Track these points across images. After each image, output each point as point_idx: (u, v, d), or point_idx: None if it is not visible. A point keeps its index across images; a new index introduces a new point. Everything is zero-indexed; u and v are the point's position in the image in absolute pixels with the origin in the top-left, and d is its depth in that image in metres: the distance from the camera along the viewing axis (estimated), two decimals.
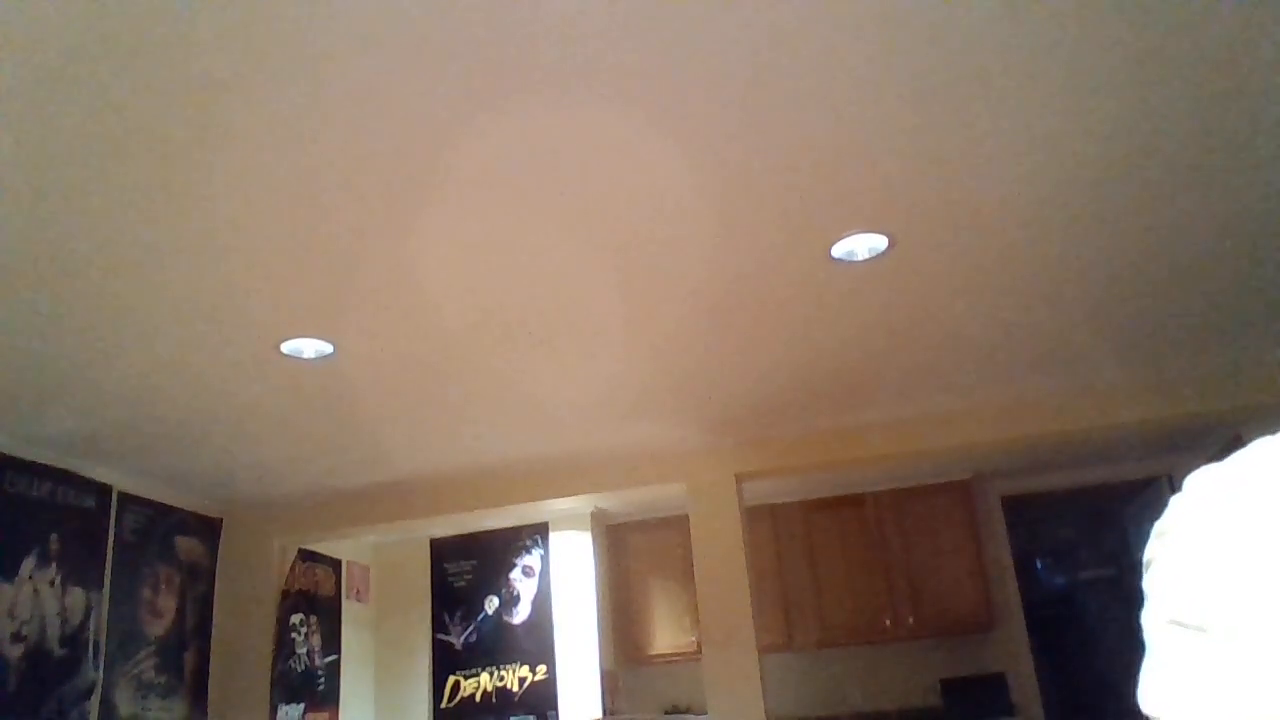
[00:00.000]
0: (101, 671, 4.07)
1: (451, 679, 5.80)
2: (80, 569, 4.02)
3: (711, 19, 1.83)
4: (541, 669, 5.65)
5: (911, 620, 5.70)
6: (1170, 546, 0.55)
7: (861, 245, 2.80)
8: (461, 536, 5.98)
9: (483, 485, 5.03)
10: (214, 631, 4.88)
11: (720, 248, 2.76)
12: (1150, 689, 0.54)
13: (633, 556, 6.08)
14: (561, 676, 5.60)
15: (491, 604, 5.86)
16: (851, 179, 2.44)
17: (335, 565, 5.73)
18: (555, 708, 5.55)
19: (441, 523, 5.39)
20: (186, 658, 4.68)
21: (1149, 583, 0.57)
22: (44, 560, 3.83)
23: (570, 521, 5.81)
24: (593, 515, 5.83)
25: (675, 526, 5.89)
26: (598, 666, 5.56)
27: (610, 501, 5.57)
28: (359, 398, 3.67)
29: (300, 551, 5.32)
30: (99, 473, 4.20)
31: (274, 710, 4.86)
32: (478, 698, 5.72)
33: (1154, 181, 2.58)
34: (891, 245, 2.81)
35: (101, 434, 3.80)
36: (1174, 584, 0.54)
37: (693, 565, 4.72)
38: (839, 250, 2.82)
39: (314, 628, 5.39)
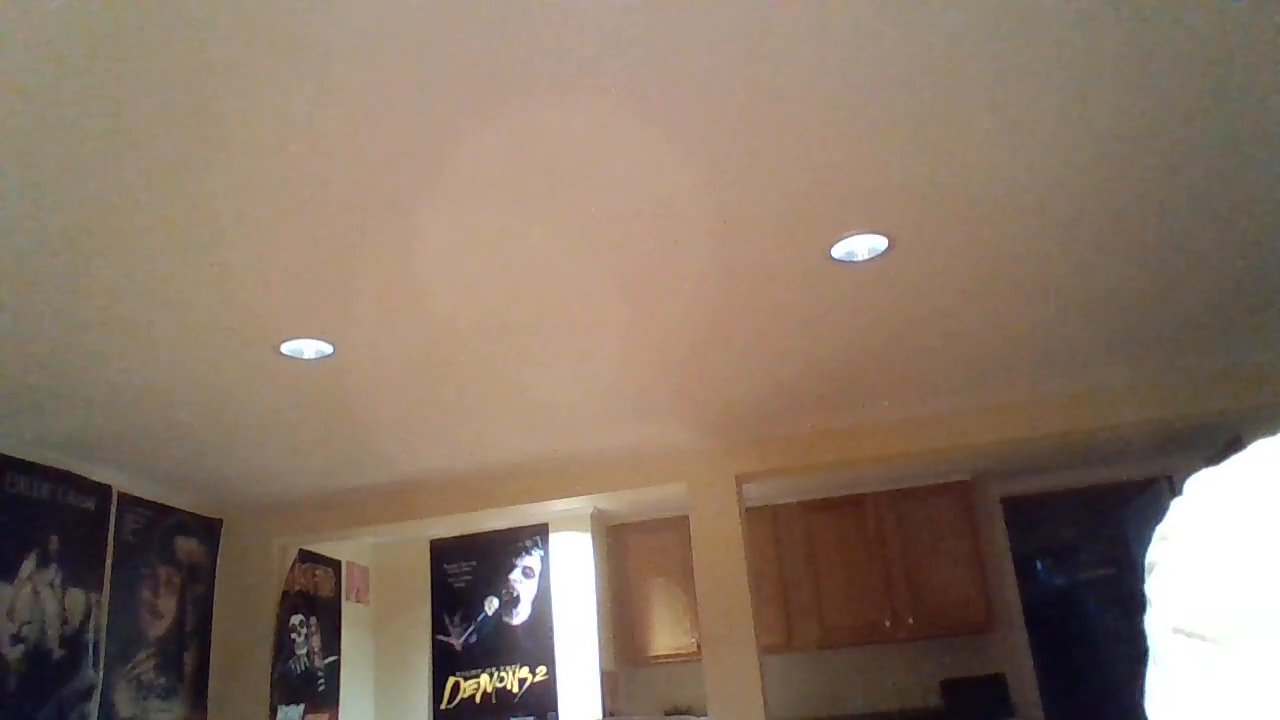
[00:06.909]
0: (101, 672, 4.07)
1: (451, 680, 5.80)
2: (80, 570, 4.02)
3: (711, 19, 1.83)
4: (541, 670, 5.65)
5: (911, 621, 5.70)
6: (1173, 551, 0.55)
7: (861, 245, 2.81)
8: (461, 537, 5.98)
9: (483, 486, 5.03)
10: (214, 632, 4.88)
11: (720, 248, 2.76)
12: (1156, 699, 0.53)
13: (633, 557, 6.08)
14: (561, 677, 5.60)
15: (491, 605, 5.86)
16: (851, 179, 2.44)
17: (335, 566, 5.73)
18: (555, 709, 5.54)
19: (441, 523, 5.39)
20: (186, 659, 4.68)
21: (1152, 588, 0.56)
22: (44, 561, 3.83)
23: (570, 522, 5.81)
24: (593, 516, 5.83)
25: (675, 527, 5.90)
26: (598, 667, 5.55)
27: (610, 502, 5.56)
28: (359, 398, 3.67)
29: (300, 552, 5.32)
30: (99, 474, 4.20)
31: (274, 711, 4.86)
32: (477, 699, 5.71)
33: (1153, 182, 2.58)
34: (891, 245, 2.82)
35: (102, 435, 3.80)
36: (1178, 590, 0.53)
37: (693, 566, 4.72)
38: (839, 250, 2.82)
39: (314, 629, 5.39)
